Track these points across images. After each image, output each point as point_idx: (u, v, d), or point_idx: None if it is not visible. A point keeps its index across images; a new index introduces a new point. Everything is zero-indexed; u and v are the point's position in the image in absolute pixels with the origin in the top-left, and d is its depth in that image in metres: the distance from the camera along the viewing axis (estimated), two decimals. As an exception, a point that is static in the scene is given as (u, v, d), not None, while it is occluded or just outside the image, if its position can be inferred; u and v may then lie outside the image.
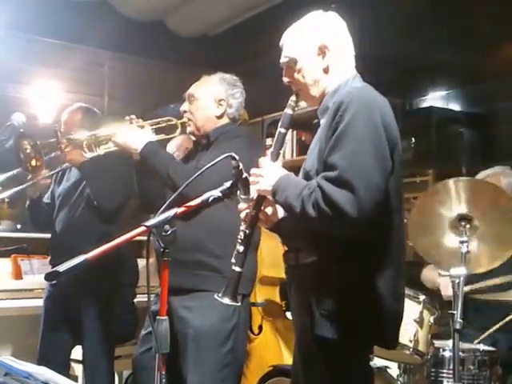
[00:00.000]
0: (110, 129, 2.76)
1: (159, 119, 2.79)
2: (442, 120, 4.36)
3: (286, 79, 2.06)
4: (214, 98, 2.76)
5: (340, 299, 1.81)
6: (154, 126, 2.75)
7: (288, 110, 2.02)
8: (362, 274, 1.83)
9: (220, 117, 2.78)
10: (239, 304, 2.02)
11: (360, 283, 1.83)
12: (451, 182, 2.56)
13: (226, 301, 1.89)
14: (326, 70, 2.00)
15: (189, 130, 2.79)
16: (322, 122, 1.99)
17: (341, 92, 1.95)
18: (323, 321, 1.81)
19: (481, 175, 3.22)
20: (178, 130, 2.81)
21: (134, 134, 2.65)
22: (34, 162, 2.87)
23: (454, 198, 2.56)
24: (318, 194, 1.76)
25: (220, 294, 1.90)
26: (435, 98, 4.65)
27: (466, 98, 4.48)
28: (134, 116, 2.73)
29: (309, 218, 1.77)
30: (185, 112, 2.79)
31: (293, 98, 2.03)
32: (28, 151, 2.86)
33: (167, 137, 2.84)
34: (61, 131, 3.10)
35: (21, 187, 3.13)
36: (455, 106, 4.56)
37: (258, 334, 3.78)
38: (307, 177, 1.92)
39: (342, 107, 1.82)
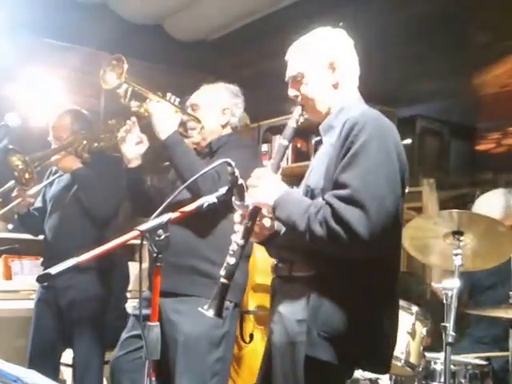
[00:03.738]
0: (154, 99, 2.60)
1: (194, 113, 2.70)
2: (429, 130, 4.39)
3: (292, 93, 2.01)
4: (219, 106, 2.71)
5: (341, 321, 1.76)
6: (186, 116, 2.66)
7: (292, 123, 1.96)
8: (363, 296, 1.79)
9: (224, 126, 2.74)
10: (222, 320, 1.98)
11: (362, 306, 1.78)
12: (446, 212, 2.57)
13: (211, 314, 1.85)
14: (335, 86, 1.97)
15: (193, 140, 2.70)
16: (326, 140, 1.96)
17: (347, 112, 1.91)
18: (321, 342, 1.76)
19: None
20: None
21: (166, 117, 2.52)
22: (26, 175, 2.97)
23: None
24: (326, 212, 1.71)
25: (205, 307, 1.85)
26: (426, 109, 4.67)
27: (455, 110, 4.51)
28: (174, 96, 2.62)
29: (315, 236, 1.73)
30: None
31: (298, 110, 1.97)
32: (20, 167, 2.95)
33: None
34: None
35: (9, 206, 3.23)
36: (444, 117, 4.58)
37: (249, 342, 3.76)
38: (311, 194, 1.88)
39: (357, 127, 1.78)
